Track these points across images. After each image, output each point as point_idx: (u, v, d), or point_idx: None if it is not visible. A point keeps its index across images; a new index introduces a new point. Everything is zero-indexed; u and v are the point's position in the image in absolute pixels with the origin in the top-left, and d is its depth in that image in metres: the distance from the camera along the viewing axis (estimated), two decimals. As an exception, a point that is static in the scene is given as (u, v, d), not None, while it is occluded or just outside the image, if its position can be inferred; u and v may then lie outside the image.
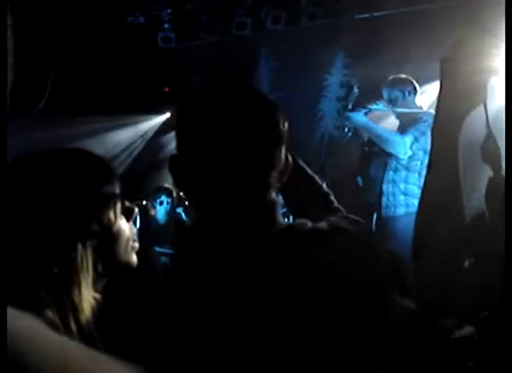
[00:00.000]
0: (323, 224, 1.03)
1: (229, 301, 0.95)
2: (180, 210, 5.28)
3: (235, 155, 0.98)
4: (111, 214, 1.07)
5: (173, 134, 1.06)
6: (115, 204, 1.09)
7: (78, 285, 1.00)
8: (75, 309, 1.00)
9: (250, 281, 0.96)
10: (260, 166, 1.00)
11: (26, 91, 4.52)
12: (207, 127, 1.00)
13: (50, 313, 0.97)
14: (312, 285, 0.94)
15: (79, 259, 1.00)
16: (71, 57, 5.23)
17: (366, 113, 4.06)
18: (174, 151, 1.05)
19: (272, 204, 1.03)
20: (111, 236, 1.08)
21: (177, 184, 1.05)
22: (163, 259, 3.46)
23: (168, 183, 5.42)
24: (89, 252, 1.02)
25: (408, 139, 3.89)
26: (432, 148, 1.00)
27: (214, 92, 1.05)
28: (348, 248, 0.98)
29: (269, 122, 1.02)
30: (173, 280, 1.05)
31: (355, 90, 4.00)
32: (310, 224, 1.02)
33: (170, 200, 5.29)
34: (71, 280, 0.99)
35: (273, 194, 1.05)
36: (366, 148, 4.14)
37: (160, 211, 5.31)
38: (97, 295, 1.06)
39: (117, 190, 1.10)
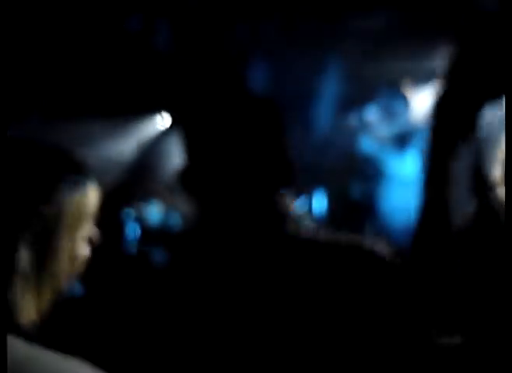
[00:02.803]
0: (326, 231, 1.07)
1: (238, 305, 0.98)
2: (172, 212, 5.26)
3: (247, 161, 1.02)
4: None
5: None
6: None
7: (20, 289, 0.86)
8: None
9: (260, 286, 0.99)
10: (270, 171, 1.03)
11: (18, 98, 4.51)
12: (218, 136, 1.02)
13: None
14: (321, 289, 0.97)
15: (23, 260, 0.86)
16: (65, 63, 5.23)
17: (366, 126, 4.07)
18: (179, 162, 1.08)
19: (285, 208, 1.06)
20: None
21: (191, 194, 1.07)
22: (156, 261, 3.46)
23: (160, 186, 5.42)
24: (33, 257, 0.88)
25: (407, 159, 3.89)
26: (424, 171, 1.01)
27: (219, 98, 1.07)
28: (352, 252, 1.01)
29: (275, 127, 1.05)
30: (177, 283, 1.07)
31: None
32: (315, 229, 1.06)
33: (161, 202, 5.29)
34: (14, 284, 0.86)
35: (284, 198, 1.08)
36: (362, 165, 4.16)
37: (152, 214, 5.31)
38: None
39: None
